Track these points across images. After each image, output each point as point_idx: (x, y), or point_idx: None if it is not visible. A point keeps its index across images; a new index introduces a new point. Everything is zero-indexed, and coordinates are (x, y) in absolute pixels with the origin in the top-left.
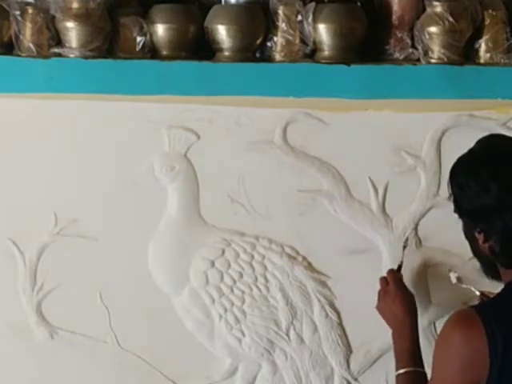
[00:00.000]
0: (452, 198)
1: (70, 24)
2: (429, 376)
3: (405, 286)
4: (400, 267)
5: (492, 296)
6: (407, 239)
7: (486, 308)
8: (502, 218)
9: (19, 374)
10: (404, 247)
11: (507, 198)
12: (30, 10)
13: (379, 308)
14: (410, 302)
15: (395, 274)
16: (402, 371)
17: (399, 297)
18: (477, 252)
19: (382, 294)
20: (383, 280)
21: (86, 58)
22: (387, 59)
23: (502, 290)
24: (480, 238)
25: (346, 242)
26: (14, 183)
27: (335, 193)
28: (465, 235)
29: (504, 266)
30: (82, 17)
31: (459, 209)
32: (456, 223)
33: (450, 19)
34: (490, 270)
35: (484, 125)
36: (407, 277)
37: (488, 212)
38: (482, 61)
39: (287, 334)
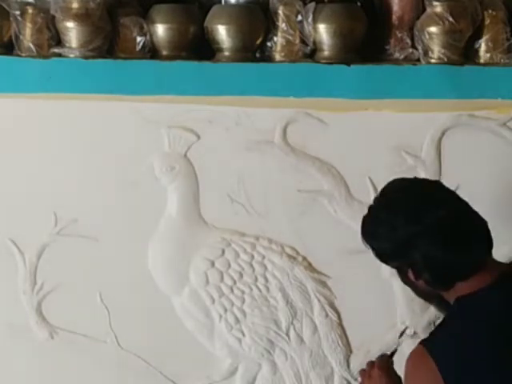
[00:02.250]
0: (374, 253)
1: (70, 24)
2: None
3: (393, 372)
4: (393, 353)
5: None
6: (406, 328)
7: (434, 341)
8: (418, 247)
9: (19, 374)
10: (401, 335)
11: (414, 227)
12: (30, 10)
13: None
14: None
15: (385, 359)
16: None
17: (383, 382)
18: (421, 293)
19: (366, 378)
20: (369, 363)
21: (86, 58)
22: (387, 59)
23: (447, 315)
24: (411, 274)
25: (346, 242)
26: (14, 183)
27: (335, 193)
28: (403, 282)
29: (445, 290)
30: (82, 17)
31: (383, 258)
32: None
33: (450, 19)
34: (440, 303)
35: (484, 125)
36: None
37: (404, 245)
38: (482, 61)
39: (287, 334)
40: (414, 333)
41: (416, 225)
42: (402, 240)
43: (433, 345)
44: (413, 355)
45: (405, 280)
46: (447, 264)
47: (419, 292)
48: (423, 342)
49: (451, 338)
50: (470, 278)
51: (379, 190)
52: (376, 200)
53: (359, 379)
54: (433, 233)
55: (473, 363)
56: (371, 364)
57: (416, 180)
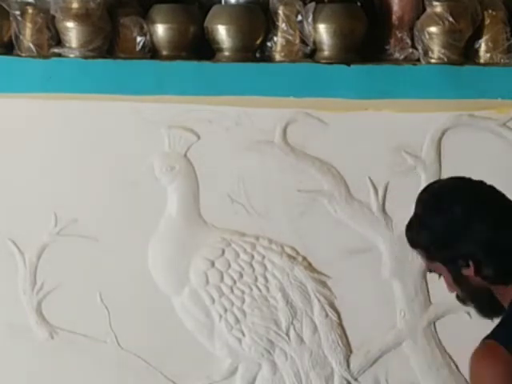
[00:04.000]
0: (425, 258)
1: (70, 24)
2: None
3: None
4: None
5: None
6: None
7: (503, 334)
8: (477, 232)
9: (19, 373)
10: None
11: (471, 213)
12: (30, 10)
13: None
14: None
15: None
16: None
17: None
18: (471, 293)
19: None
20: None
21: (85, 58)
22: (387, 59)
23: (508, 312)
24: (469, 271)
25: (346, 242)
26: (14, 183)
27: (335, 193)
28: (454, 282)
29: (504, 284)
30: (82, 17)
31: (435, 255)
32: None
33: (450, 19)
34: (491, 305)
35: (484, 125)
36: (407, 277)
37: (462, 235)
38: (482, 61)
39: (287, 334)
40: None
41: (475, 207)
42: (461, 225)
43: (503, 337)
44: (483, 351)
45: (458, 279)
46: (509, 251)
47: (470, 293)
48: (491, 337)
49: None
50: None
51: (379, 189)
52: (426, 197)
53: None
54: (492, 225)
55: None
56: None
57: (472, 179)
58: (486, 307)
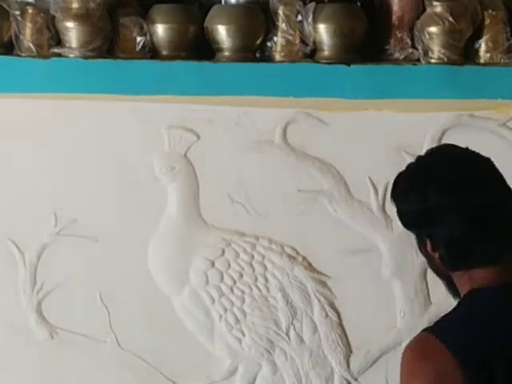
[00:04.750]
0: (397, 215)
1: (70, 24)
2: None
3: None
4: None
5: None
6: None
7: (441, 327)
8: (443, 220)
9: (19, 373)
10: None
11: (445, 198)
12: (30, 10)
13: None
14: None
15: None
16: None
17: None
18: (434, 267)
19: None
20: None
21: (85, 58)
22: (387, 59)
23: (456, 307)
24: (428, 245)
25: (346, 242)
26: (14, 183)
27: (335, 193)
28: (420, 251)
29: (451, 269)
30: (82, 17)
31: (404, 221)
32: None
33: (450, 19)
34: (450, 285)
35: (484, 125)
36: (407, 277)
37: (429, 215)
38: (482, 61)
39: (287, 334)
40: None
41: (449, 199)
42: (429, 209)
43: (440, 330)
44: (416, 343)
45: (421, 250)
46: (467, 247)
47: (433, 266)
48: (427, 330)
49: (460, 324)
50: (489, 266)
51: (379, 189)
52: (418, 159)
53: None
54: (463, 213)
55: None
56: None
57: (468, 152)
58: (448, 287)
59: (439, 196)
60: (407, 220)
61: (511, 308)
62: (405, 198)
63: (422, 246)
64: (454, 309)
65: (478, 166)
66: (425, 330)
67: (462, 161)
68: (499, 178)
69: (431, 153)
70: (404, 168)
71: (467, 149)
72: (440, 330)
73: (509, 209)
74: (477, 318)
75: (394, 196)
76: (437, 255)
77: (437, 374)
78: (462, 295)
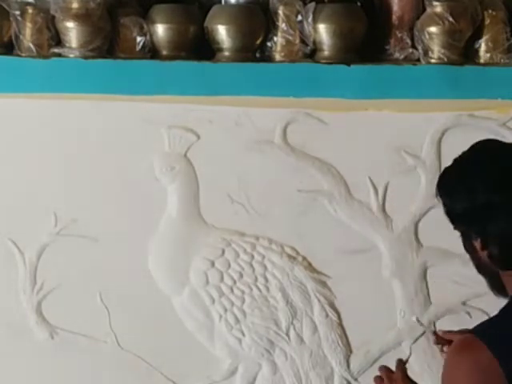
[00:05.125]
0: (445, 210)
1: (70, 24)
2: None
3: (409, 379)
4: (407, 361)
5: (446, 336)
6: (418, 321)
7: (486, 330)
8: (496, 218)
9: (19, 374)
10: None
11: (496, 196)
12: (30, 10)
13: None
14: None
15: (400, 365)
16: None
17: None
18: (479, 264)
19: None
20: (384, 370)
21: (85, 58)
22: (387, 59)
23: (504, 307)
24: (477, 244)
25: (346, 242)
26: (14, 183)
27: (335, 193)
28: (465, 248)
29: (504, 268)
30: (82, 17)
31: (452, 218)
32: None
33: (450, 19)
34: (495, 282)
35: (484, 125)
36: (407, 277)
37: (480, 213)
38: (482, 61)
39: (287, 334)
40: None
41: (500, 196)
42: (480, 206)
43: (485, 334)
44: (461, 344)
45: (468, 248)
46: None
47: (479, 265)
48: (473, 332)
49: (505, 329)
50: None
51: (379, 189)
52: (465, 154)
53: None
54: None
55: None
56: (385, 370)
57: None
58: (493, 284)
59: (490, 193)
60: (455, 217)
61: None
62: (453, 194)
63: (467, 243)
64: (503, 309)
65: None
66: (470, 331)
67: (511, 156)
68: None
69: (478, 147)
70: (446, 167)
71: None
72: (484, 333)
73: None
74: None
75: (441, 191)
76: (485, 253)
77: (478, 369)
78: (510, 294)
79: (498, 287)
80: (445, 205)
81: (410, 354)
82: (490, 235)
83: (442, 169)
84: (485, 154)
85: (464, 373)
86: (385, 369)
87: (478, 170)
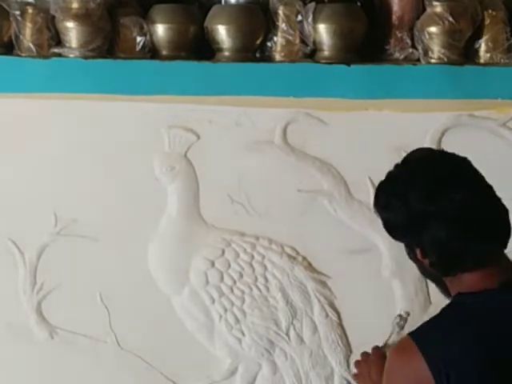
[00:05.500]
0: (383, 225)
1: (70, 24)
2: None
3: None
4: (386, 344)
5: None
6: (403, 319)
7: (422, 333)
8: (428, 228)
9: (19, 374)
10: (401, 327)
11: (427, 205)
12: (30, 10)
13: (357, 376)
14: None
15: (377, 350)
16: None
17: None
18: (424, 271)
19: (362, 364)
20: (364, 354)
21: (85, 58)
22: (387, 59)
23: (443, 308)
24: (418, 253)
25: (346, 242)
26: (14, 183)
27: (335, 193)
28: (409, 257)
29: (445, 275)
30: (82, 17)
31: (390, 231)
32: None
33: (450, 19)
34: (441, 287)
35: (484, 125)
36: (407, 277)
37: (415, 223)
38: (482, 61)
39: (287, 334)
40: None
41: (431, 205)
42: (413, 218)
43: (419, 337)
44: (397, 348)
45: (411, 256)
46: (453, 250)
47: (424, 271)
48: (411, 334)
49: (441, 332)
50: (475, 271)
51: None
52: (396, 168)
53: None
54: (446, 216)
55: (458, 363)
56: (363, 354)
57: (443, 153)
58: (441, 289)
59: (421, 203)
60: (392, 229)
61: (493, 312)
62: (388, 208)
63: (411, 253)
64: (442, 310)
65: (458, 168)
66: (409, 333)
67: (439, 164)
68: (477, 175)
69: (407, 159)
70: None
71: (442, 150)
72: (420, 335)
73: (490, 207)
74: (458, 323)
75: (376, 206)
76: (427, 261)
77: (410, 371)
78: (452, 296)
79: (446, 291)
80: (382, 218)
81: (390, 335)
82: (426, 243)
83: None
84: (412, 164)
85: (398, 374)
86: (363, 353)
87: (408, 182)
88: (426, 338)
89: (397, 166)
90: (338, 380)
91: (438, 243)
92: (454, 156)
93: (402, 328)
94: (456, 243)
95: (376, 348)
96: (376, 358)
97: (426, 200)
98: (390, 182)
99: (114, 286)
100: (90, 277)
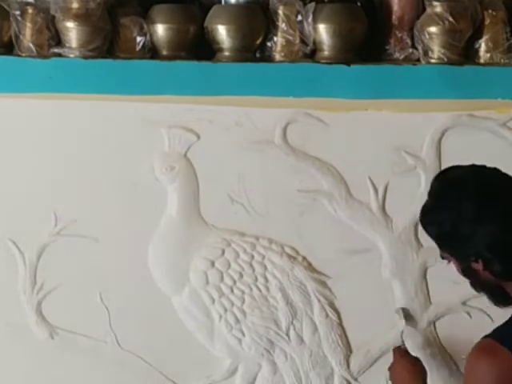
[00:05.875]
0: (437, 246)
1: (70, 24)
2: None
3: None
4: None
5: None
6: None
7: (502, 333)
8: (486, 232)
9: (19, 374)
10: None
11: (481, 212)
12: (30, 10)
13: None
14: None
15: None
16: None
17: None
18: (481, 285)
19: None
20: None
21: (85, 58)
22: (387, 59)
23: None
24: (479, 266)
25: (346, 242)
26: (14, 183)
27: (335, 193)
28: (463, 275)
29: (509, 279)
30: (82, 17)
31: (445, 248)
32: None
33: (450, 19)
34: (500, 296)
35: (484, 125)
36: (407, 277)
37: (472, 234)
38: (481, 61)
39: (287, 334)
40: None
41: (482, 210)
42: (470, 225)
43: (503, 337)
44: (482, 348)
45: (467, 273)
46: None
47: (480, 285)
48: (490, 336)
49: None
50: None
51: (379, 189)
52: (437, 184)
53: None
54: (499, 216)
55: None
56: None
57: (474, 166)
58: (496, 298)
59: (475, 209)
60: (449, 246)
61: None
62: (442, 223)
63: (467, 268)
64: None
65: (493, 173)
66: (486, 336)
67: (478, 171)
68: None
69: (447, 175)
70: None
71: (472, 164)
72: (504, 337)
73: None
74: None
75: (428, 225)
76: (487, 273)
77: (500, 377)
78: None
79: (502, 299)
80: (437, 239)
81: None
82: (487, 251)
83: (442, 169)
84: (454, 180)
85: (483, 376)
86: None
87: (456, 195)
88: (508, 336)
89: (437, 183)
90: (338, 380)
91: (497, 245)
92: (484, 166)
93: (406, 318)
94: None
95: (397, 348)
96: (398, 354)
97: (478, 206)
98: (435, 200)
99: (114, 286)
100: (89, 277)
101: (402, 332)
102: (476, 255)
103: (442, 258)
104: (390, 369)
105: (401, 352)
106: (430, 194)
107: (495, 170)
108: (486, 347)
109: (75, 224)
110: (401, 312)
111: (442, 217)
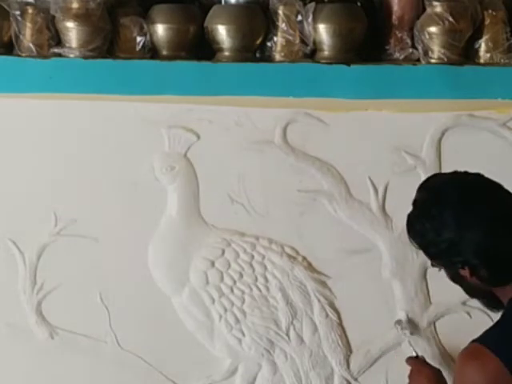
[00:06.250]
0: (423, 252)
1: (70, 24)
2: None
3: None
4: (417, 355)
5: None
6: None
7: (490, 337)
8: (470, 239)
9: (19, 374)
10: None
11: (464, 219)
12: (30, 10)
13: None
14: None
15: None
16: None
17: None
18: (471, 290)
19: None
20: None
21: (85, 58)
22: (387, 59)
23: (503, 313)
24: (466, 272)
25: (346, 242)
26: (14, 183)
27: (335, 193)
28: (452, 280)
29: (500, 285)
30: (82, 17)
31: (431, 256)
32: None
33: (450, 19)
34: (491, 301)
35: (484, 125)
36: (407, 277)
37: (456, 241)
38: (481, 61)
39: (287, 334)
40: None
41: (465, 216)
42: (454, 234)
43: (491, 341)
44: (469, 353)
45: (456, 279)
46: (502, 255)
47: (470, 289)
48: (478, 341)
49: (509, 334)
50: None
51: (379, 189)
52: (420, 196)
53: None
54: (483, 222)
55: None
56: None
57: (456, 173)
58: (488, 303)
59: (457, 217)
60: (434, 254)
61: None
62: (425, 232)
63: (454, 274)
64: (502, 318)
65: (475, 180)
66: (474, 341)
67: (460, 181)
68: (496, 184)
69: (429, 184)
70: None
71: (455, 171)
72: (492, 341)
73: None
74: None
75: (414, 236)
76: (474, 279)
77: (487, 382)
78: (506, 302)
79: (493, 303)
80: (421, 247)
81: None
82: (473, 258)
83: (442, 169)
84: (435, 189)
85: (471, 380)
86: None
87: (438, 205)
88: (495, 341)
89: (419, 194)
90: (338, 380)
91: (482, 252)
92: (467, 172)
93: (409, 330)
94: (500, 244)
95: (413, 358)
96: (415, 365)
97: (460, 214)
98: (421, 209)
99: (114, 285)
100: (90, 277)
101: (410, 342)
102: (462, 262)
103: (433, 265)
104: (410, 377)
105: (419, 361)
106: (413, 203)
107: (478, 176)
108: (473, 352)
109: (75, 224)
110: (401, 323)
111: (425, 226)
